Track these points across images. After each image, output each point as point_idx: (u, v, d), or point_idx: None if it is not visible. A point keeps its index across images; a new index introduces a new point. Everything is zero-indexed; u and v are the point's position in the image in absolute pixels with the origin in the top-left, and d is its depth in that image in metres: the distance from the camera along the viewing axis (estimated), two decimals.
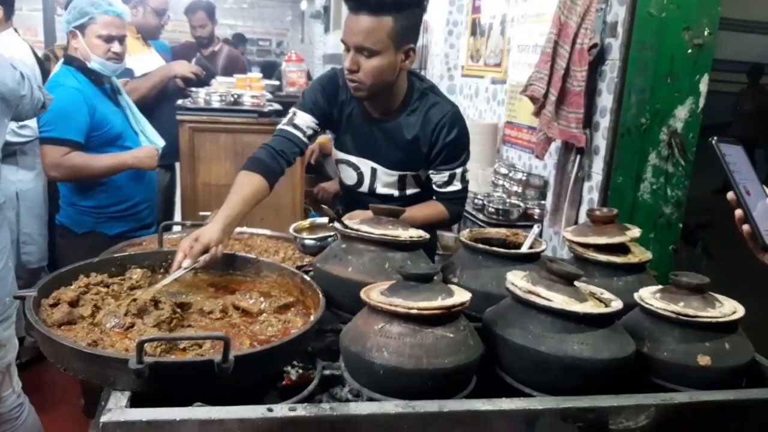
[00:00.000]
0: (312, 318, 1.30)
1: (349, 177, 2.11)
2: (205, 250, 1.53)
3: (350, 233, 1.42)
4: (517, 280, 1.21)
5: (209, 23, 4.38)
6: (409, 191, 2.06)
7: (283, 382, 1.26)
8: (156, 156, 2.59)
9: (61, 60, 2.60)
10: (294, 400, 1.10)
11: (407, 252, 1.41)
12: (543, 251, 1.47)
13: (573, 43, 2.61)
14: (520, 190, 3.28)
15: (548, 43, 2.73)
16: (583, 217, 2.67)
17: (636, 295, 1.28)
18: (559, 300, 1.14)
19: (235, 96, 3.29)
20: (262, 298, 1.46)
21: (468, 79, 4.49)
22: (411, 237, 1.41)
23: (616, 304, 1.19)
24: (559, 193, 2.85)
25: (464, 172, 2.02)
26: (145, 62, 3.46)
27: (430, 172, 2.01)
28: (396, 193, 2.06)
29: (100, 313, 1.29)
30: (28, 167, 3.02)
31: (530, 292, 1.17)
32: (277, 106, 3.45)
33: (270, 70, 7.99)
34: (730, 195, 1.10)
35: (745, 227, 1.09)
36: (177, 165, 3.51)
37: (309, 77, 4.26)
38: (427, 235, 1.46)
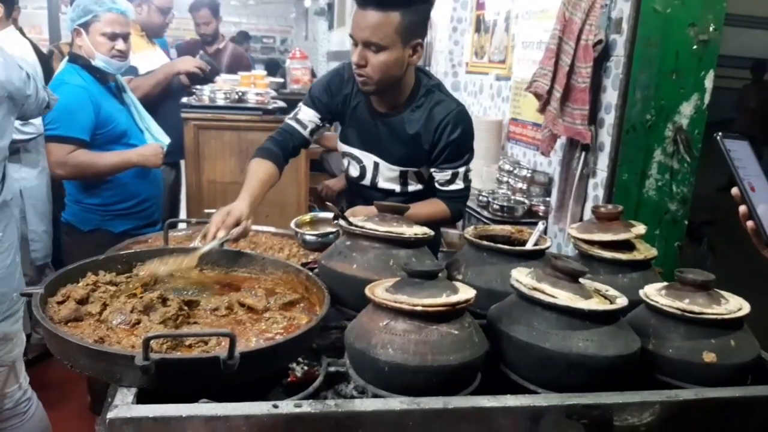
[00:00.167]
0: (317, 315, 1.30)
1: (353, 169, 2.13)
2: (237, 223, 1.65)
3: (355, 230, 1.42)
4: (521, 277, 1.21)
5: (213, 20, 4.38)
6: (411, 188, 2.06)
7: (289, 379, 1.26)
8: (161, 154, 2.59)
9: (66, 57, 2.61)
10: (299, 397, 1.11)
11: (412, 249, 1.41)
12: (548, 248, 1.46)
13: (578, 40, 2.60)
14: (524, 187, 3.28)
15: (553, 39, 2.72)
16: (588, 214, 2.67)
17: (641, 292, 1.28)
18: (563, 297, 1.14)
19: (240, 93, 3.30)
20: (267, 295, 1.46)
21: (472, 75, 4.48)
22: (415, 234, 1.41)
23: (621, 301, 1.18)
24: (564, 190, 2.85)
25: (467, 171, 2.02)
26: (149, 60, 3.46)
27: (433, 170, 2.01)
28: (398, 188, 2.07)
29: (107, 310, 1.29)
30: (31, 164, 3.03)
31: (535, 288, 1.17)
32: (281, 104, 3.46)
33: (274, 67, 8.00)
34: (735, 191, 1.09)
35: (749, 223, 1.09)
36: (182, 162, 3.52)
37: (313, 74, 4.27)
38: (432, 232, 1.46)
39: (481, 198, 3.26)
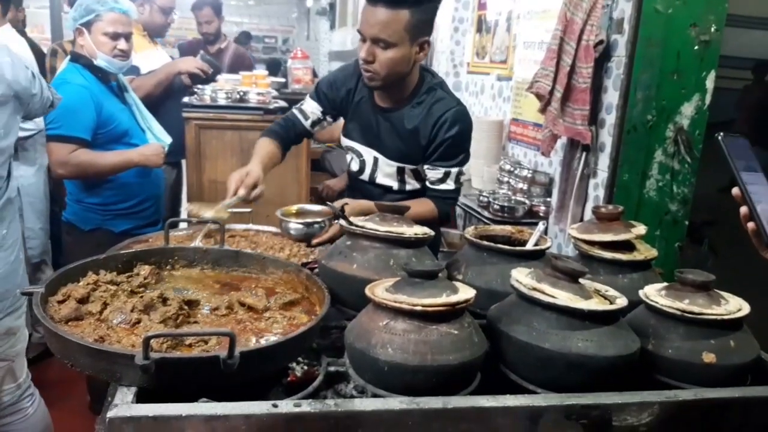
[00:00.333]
0: (317, 315, 1.30)
1: (354, 164, 2.16)
2: (255, 185, 1.76)
3: (355, 230, 1.42)
4: (521, 277, 1.21)
5: (216, 19, 4.39)
6: (409, 186, 2.07)
7: (288, 379, 1.26)
8: (162, 153, 2.60)
9: (67, 58, 2.61)
10: (299, 396, 1.11)
11: (412, 249, 1.41)
12: (548, 248, 1.46)
13: (579, 40, 2.60)
14: (525, 187, 3.28)
15: (554, 39, 2.72)
16: (588, 215, 2.67)
17: (641, 293, 1.28)
18: (563, 297, 1.14)
19: (241, 93, 3.30)
20: (267, 295, 1.46)
21: (474, 76, 4.48)
22: (416, 234, 1.41)
23: (621, 302, 1.19)
24: (565, 190, 2.85)
25: (460, 173, 2.01)
26: (151, 60, 3.46)
27: (426, 167, 2.00)
28: (395, 185, 2.08)
29: (107, 309, 1.30)
30: (29, 162, 3.03)
31: (535, 289, 1.17)
32: (282, 103, 3.46)
33: (276, 67, 8.00)
34: (735, 191, 1.09)
35: (750, 224, 1.09)
36: (183, 162, 3.52)
37: (314, 74, 4.27)
38: (432, 232, 1.47)
39: (481, 198, 3.25)
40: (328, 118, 2.17)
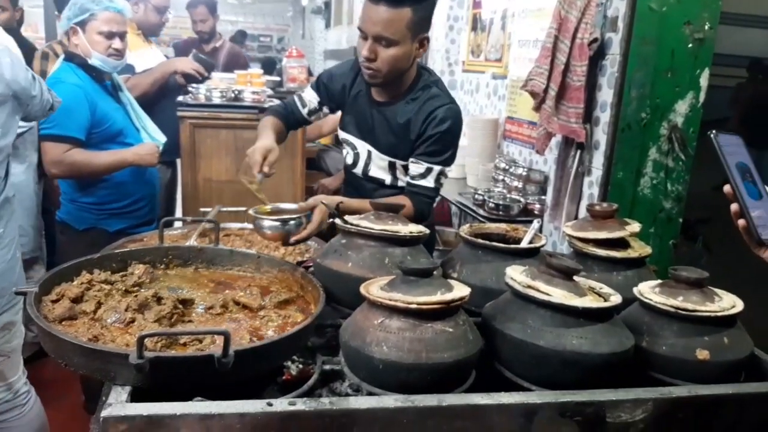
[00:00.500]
0: (312, 313, 1.30)
1: (348, 157, 2.18)
2: (275, 161, 1.80)
3: (350, 229, 1.42)
4: (516, 274, 1.21)
5: (210, 18, 4.37)
6: (401, 182, 2.07)
7: (283, 377, 1.27)
8: (157, 153, 2.59)
9: (62, 57, 2.60)
10: (294, 395, 1.11)
11: (407, 247, 1.41)
12: (543, 246, 1.47)
13: (573, 38, 2.60)
14: (520, 185, 3.28)
15: (548, 38, 2.73)
16: (583, 212, 2.67)
17: (635, 290, 1.29)
18: (558, 294, 1.14)
19: (236, 92, 3.29)
20: (262, 294, 1.46)
21: (469, 74, 4.49)
22: (411, 232, 1.41)
23: (615, 299, 1.19)
24: (560, 188, 2.85)
25: (441, 173, 1.98)
26: (146, 58, 3.45)
27: (410, 160, 1.99)
28: (388, 179, 2.08)
29: (101, 308, 1.29)
30: (19, 159, 3.00)
31: (529, 286, 1.17)
32: (277, 102, 3.45)
33: (271, 66, 7.99)
34: (727, 188, 1.10)
35: (741, 222, 1.09)
36: (178, 161, 3.51)
37: (310, 73, 4.26)
38: (427, 231, 1.47)
39: (476, 196, 3.26)
40: (325, 109, 2.20)
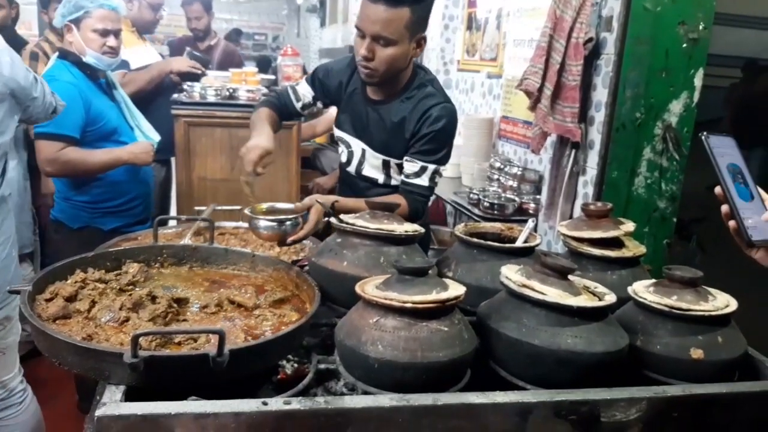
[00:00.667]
0: (307, 312, 1.30)
1: (343, 155, 2.17)
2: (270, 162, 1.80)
3: (345, 227, 1.42)
4: (511, 274, 1.21)
5: (205, 15, 4.37)
6: (395, 181, 2.07)
7: (278, 376, 1.26)
8: (151, 151, 2.58)
9: (55, 55, 2.59)
10: (289, 394, 1.11)
11: (402, 246, 1.41)
12: (537, 245, 1.47)
13: (568, 38, 2.61)
14: (515, 184, 3.29)
15: (543, 37, 2.73)
16: (578, 212, 2.68)
17: (629, 289, 1.29)
18: (553, 294, 1.14)
19: (231, 90, 3.29)
20: (257, 293, 1.46)
21: (464, 73, 4.49)
22: (406, 231, 1.41)
23: (610, 298, 1.19)
24: (554, 188, 2.86)
25: (436, 171, 1.98)
26: (140, 55, 3.44)
27: (405, 158, 1.99)
28: (381, 178, 2.08)
29: (95, 307, 1.29)
30: (8, 156, 2.99)
31: (524, 285, 1.17)
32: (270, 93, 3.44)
33: (265, 64, 7.98)
34: (718, 190, 1.10)
35: (731, 223, 1.09)
36: (173, 160, 3.50)
37: (304, 71, 4.25)
38: (422, 230, 1.47)
39: (471, 195, 3.26)
40: (318, 104, 2.17)
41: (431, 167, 1.97)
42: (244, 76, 3.63)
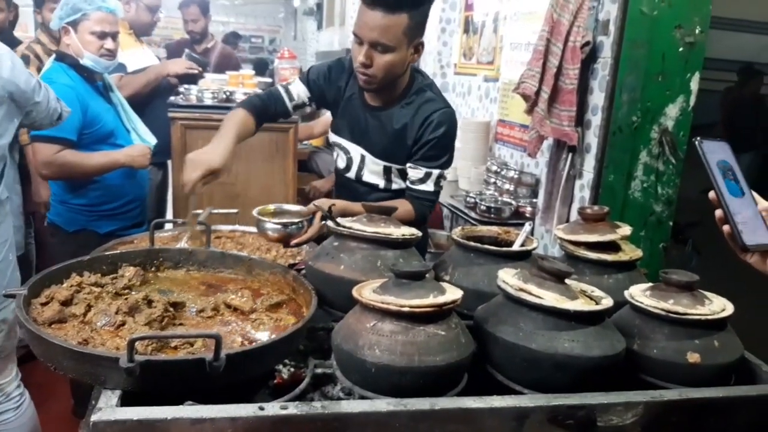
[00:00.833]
0: (304, 316, 1.30)
1: (340, 160, 2.15)
2: (210, 174, 1.72)
3: (342, 231, 1.42)
4: (508, 277, 1.21)
5: (202, 18, 4.36)
6: (396, 186, 2.07)
7: (275, 381, 1.26)
8: (148, 154, 2.58)
9: (52, 58, 2.58)
10: (285, 399, 1.10)
11: (399, 250, 1.41)
12: (534, 249, 1.47)
13: (565, 41, 2.62)
14: (512, 188, 3.29)
15: (540, 40, 2.74)
16: (574, 215, 2.68)
17: (626, 293, 1.29)
18: (549, 298, 1.14)
19: (228, 93, 3.28)
20: (254, 297, 1.45)
21: (461, 77, 4.50)
22: (403, 235, 1.41)
23: (607, 302, 1.19)
24: (551, 191, 2.86)
25: (441, 176, 1.99)
26: (137, 58, 3.44)
27: (408, 165, 2.00)
28: (382, 183, 2.08)
29: (91, 311, 1.28)
30: None
31: (521, 289, 1.17)
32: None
33: (262, 67, 7.97)
34: (712, 194, 1.10)
35: (725, 227, 1.09)
36: (169, 163, 3.50)
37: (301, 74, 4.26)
38: (420, 233, 1.47)
39: (468, 199, 3.26)
40: (313, 105, 2.12)
41: (435, 172, 1.98)
42: (241, 79, 3.63)
